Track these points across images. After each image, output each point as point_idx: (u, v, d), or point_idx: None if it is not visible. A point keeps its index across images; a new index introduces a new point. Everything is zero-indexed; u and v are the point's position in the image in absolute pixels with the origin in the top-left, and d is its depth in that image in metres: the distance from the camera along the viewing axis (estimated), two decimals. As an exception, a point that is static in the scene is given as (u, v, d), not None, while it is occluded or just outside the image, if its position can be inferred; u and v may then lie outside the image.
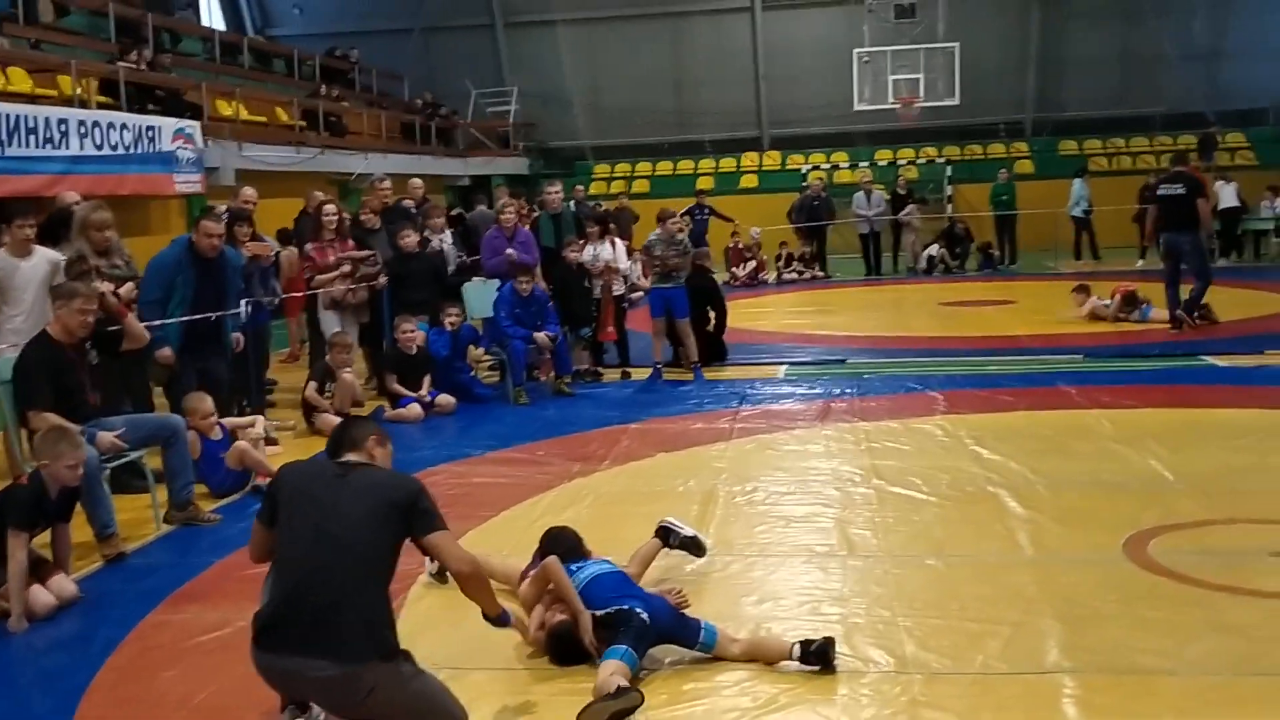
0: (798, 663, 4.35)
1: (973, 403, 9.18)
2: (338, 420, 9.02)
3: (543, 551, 4.98)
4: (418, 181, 12.50)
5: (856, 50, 24.42)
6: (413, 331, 9.84)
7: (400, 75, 28.78)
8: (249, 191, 10.44)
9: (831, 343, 12.99)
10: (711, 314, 11.81)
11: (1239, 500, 6.30)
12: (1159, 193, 12.55)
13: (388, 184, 12.08)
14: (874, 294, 18.68)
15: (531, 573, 4.90)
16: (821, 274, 21.10)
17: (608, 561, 4.93)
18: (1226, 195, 20.32)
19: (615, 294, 11.37)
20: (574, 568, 4.77)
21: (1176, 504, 6.28)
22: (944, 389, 9.76)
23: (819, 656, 4.33)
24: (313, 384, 9.26)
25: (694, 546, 5.37)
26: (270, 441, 8.30)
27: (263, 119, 19.38)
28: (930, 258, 21.10)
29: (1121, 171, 25.49)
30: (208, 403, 7.58)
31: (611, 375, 11.30)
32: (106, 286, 7.55)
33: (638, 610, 4.42)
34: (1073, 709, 4.00)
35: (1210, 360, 10.76)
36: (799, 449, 8.02)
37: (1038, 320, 13.96)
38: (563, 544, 5.00)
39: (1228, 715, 3.95)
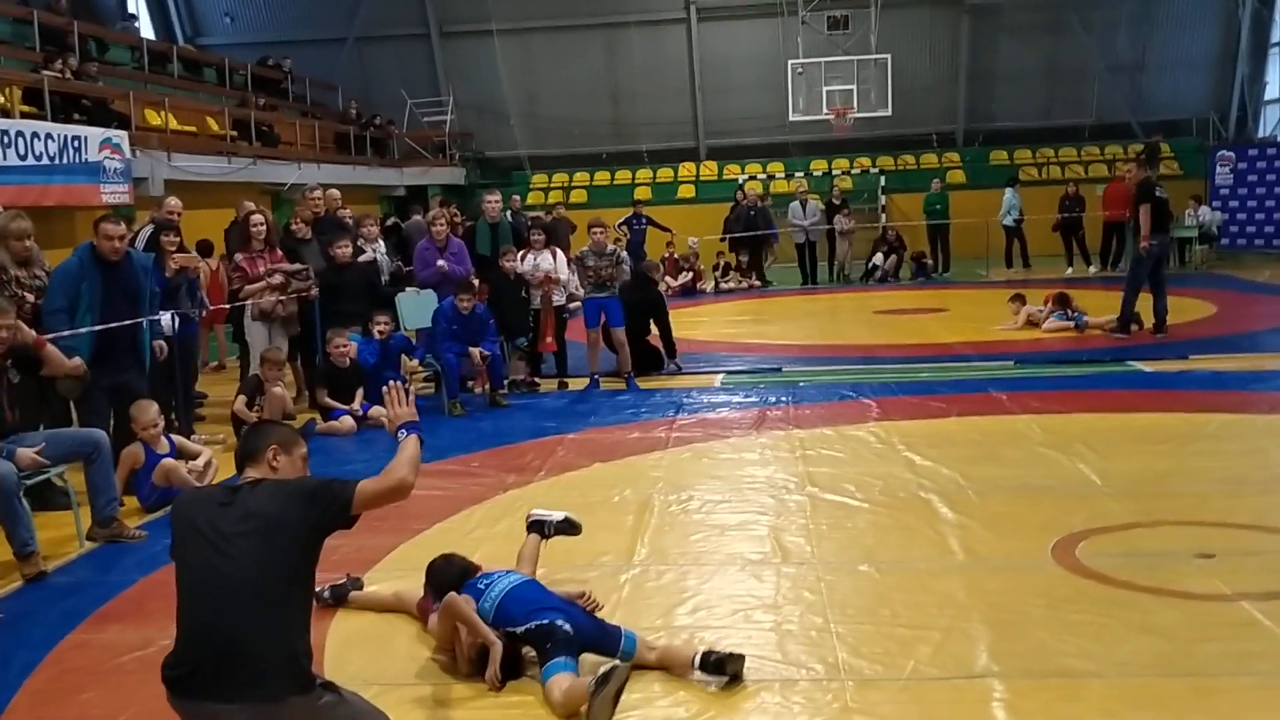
0: (699, 672, 4.33)
1: (906, 409, 9.26)
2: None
3: (435, 588, 4.80)
4: (335, 193, 12.31)
5: (791, 61, 24.64)
6: (345, 345, 9.73)
7: (334, 85, 28.55)
8: (173, 202, 10.25)
9: (767, 351, 13.06)
10: (654, 326, 11.82)
11: (1164, 503, 6.41)
12: (1159, 195, 12.59)
13: (318, 194, 11.94)
14: (810, 303, 18.80)
15: (434, 609, 4.72)
16: (758, 283, 21.23)
17: (514, 572, 4.85)
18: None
19: (555, 304, 11.29)
20: (482, 585, 4.67)
21: (1104, 507, 6.37)
22: (878, 396, 9.84)
23: (716, 667, 4.30)
24: (241, 398, 9.13)
25: (569, 528, 5.42)
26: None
27: (193, 129, 19.08)
28: (875, 267, 21.34)
29: (1051, 181, 25.91)
30: (150, 412, 7.46)
31: (549, 385, 11.26)
32: (29, 297, 7.42)
33: (560, 623, 4.37)
34: (1001, 713, 4.03)
35: (1137, 365, 10.97)
36: (734, 457, 8.04)
37: (970, 328, 14.14)
38: (451, 575, 4.82)
39: (1152, 716, 4.00)
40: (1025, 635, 4.67)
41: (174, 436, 7.61)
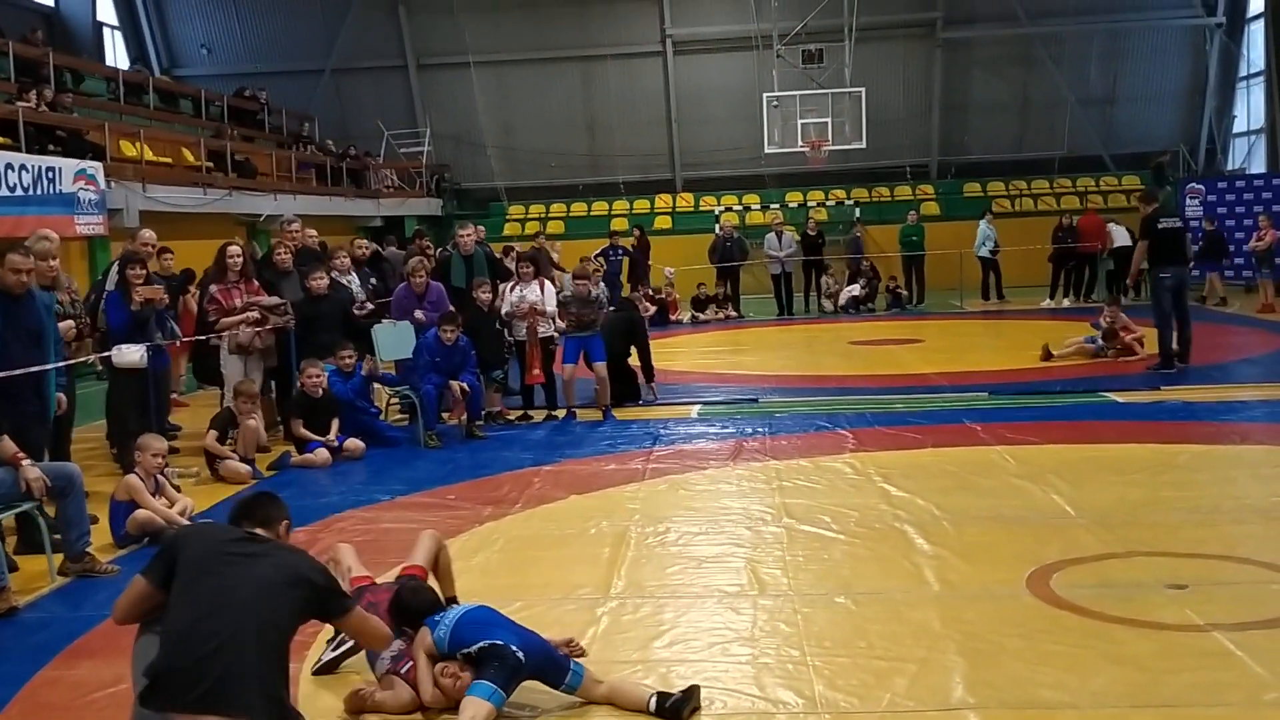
0: (654, 716, 4.29)
1: (881, 440, 9.31)
2: (245, 467, 8.92)
3: (397, 625, 4.68)
4: (298, 226, 12.34)
5: (766, 94, 24.82)
6: (318, 375, 9.69)
7: (311, 116, 28.56)
8: (147, 234, 10.22)
9: (744, 382, 13.11)
10: (634, 350, 11.84)
11: (1137, 533, 6.46)
12: (1160, 227, 12.28)
13: (297, 225, 11.94)
14: (786, 334, 18.89)
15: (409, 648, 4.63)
16: (735, 314, 21.32)
17: (480, 606, 4.72)
18: (1119, 235, 20.96)
19: (541, 336, 11.25)
20: (435, 619, 4.57)
21: (1077, 538, 6.41)
22: (853, 427, 9.89)
23: (672, 713, 4.28)
24: (213, 433, 9.06)
25: None
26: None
27: (168, 160, 19.03)
28: (854, 297, 21.50)
29: (1024, 213, 26.23)
30: (161, 443, 7.57)
31: (523, 417, 11.23)
32: None
33: (512, 646, 4.31)
34: (977, 744, 4.04)
35: (1110, 396, 11.06)
36: (711, 489, 8.05)
37: (945, 359, 14.23)
38: (416, 609, 4.69)
39: (1126, 746, 4.02)
40: (1000, 666, 4.69)
41: (160, 476, 7.54)
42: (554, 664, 4.41)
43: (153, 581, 3.71)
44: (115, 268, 9.63)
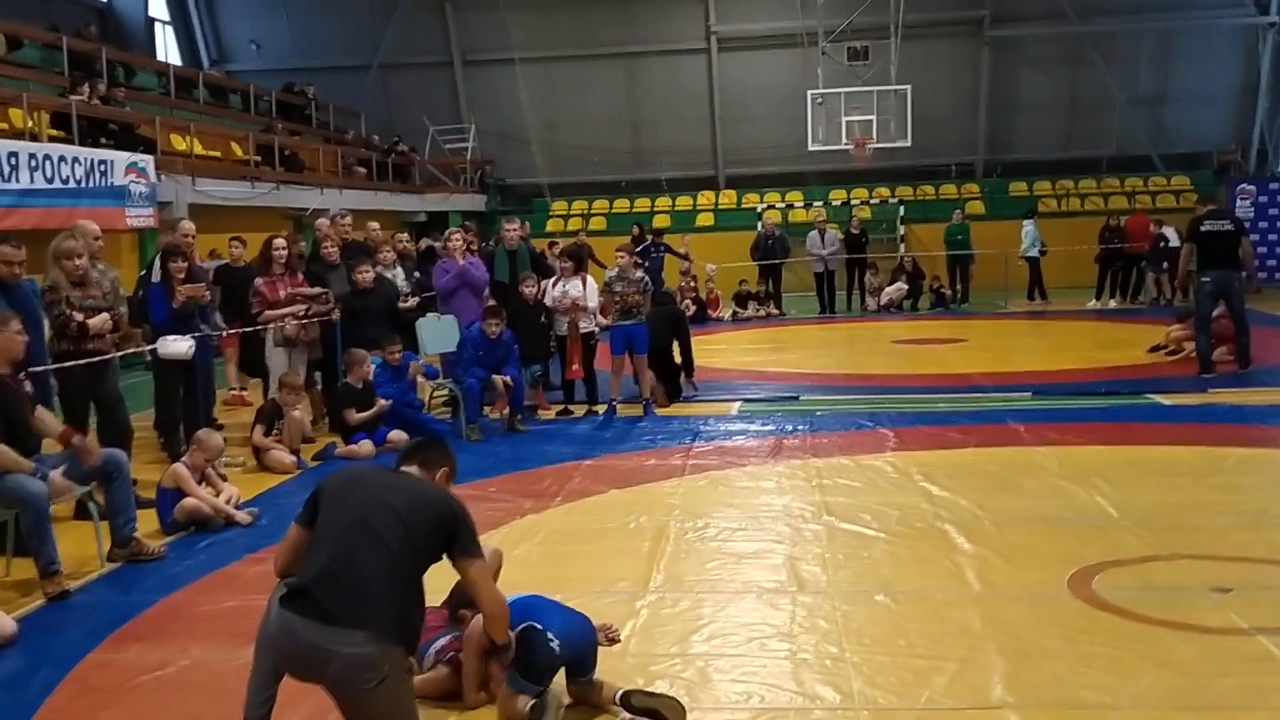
0: (622, 710, 4.26)
1: (923, 440, 9.27)
2: (290, 457, 9.03)
3: (452, 610, 4.78)
4: (374, 223, 12.54)
5: (810, 91, 24.74)
6: (366, 365, 9.79)
7: (358, 111, 28.82)
8: (187, 225, 10.26)
9: (785, 380, 13.07)
10: (676, 344, 11.88)
11: (1181, 536, 6.39)
12: (1204, 229, 12.02)
13: (348, 219, 12.08)
14: (828, 332, 18.83)
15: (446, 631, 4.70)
16: (776, 312, 21.27)
17: (532, 595, 4.66)
18: (1170, 236, 20.70)
19: (583, 331, 11.28)
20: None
21: (1120, 540, 6.36)
22: (895, 426, 9.85)
23: (640, 710, 4.24)
24: (259, 428, 9.18)
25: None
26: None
27: (217, 154, 19.32)
28: (892, 297, 21.40)
29: (1070, 213, 25.96)
30: (219, 442, 7.72)
31: (578, 412, 11.27)
32: (77, 316, 7.51)
33: (549, 635, 4.24)
34: (1016, 744, 4.03)
35: (1156, 398, 10.94)
36: (751, 485, 8.05)
37: (988, 359, 14.13)
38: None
39: (1167, 749, 4.00)
40: (1041, 667, 4.66)
41: (210, 470, 7.66)
42: (592, 659, 4.40)
43: (304, 523, 3.84)
44: (158, 260, 9.76)
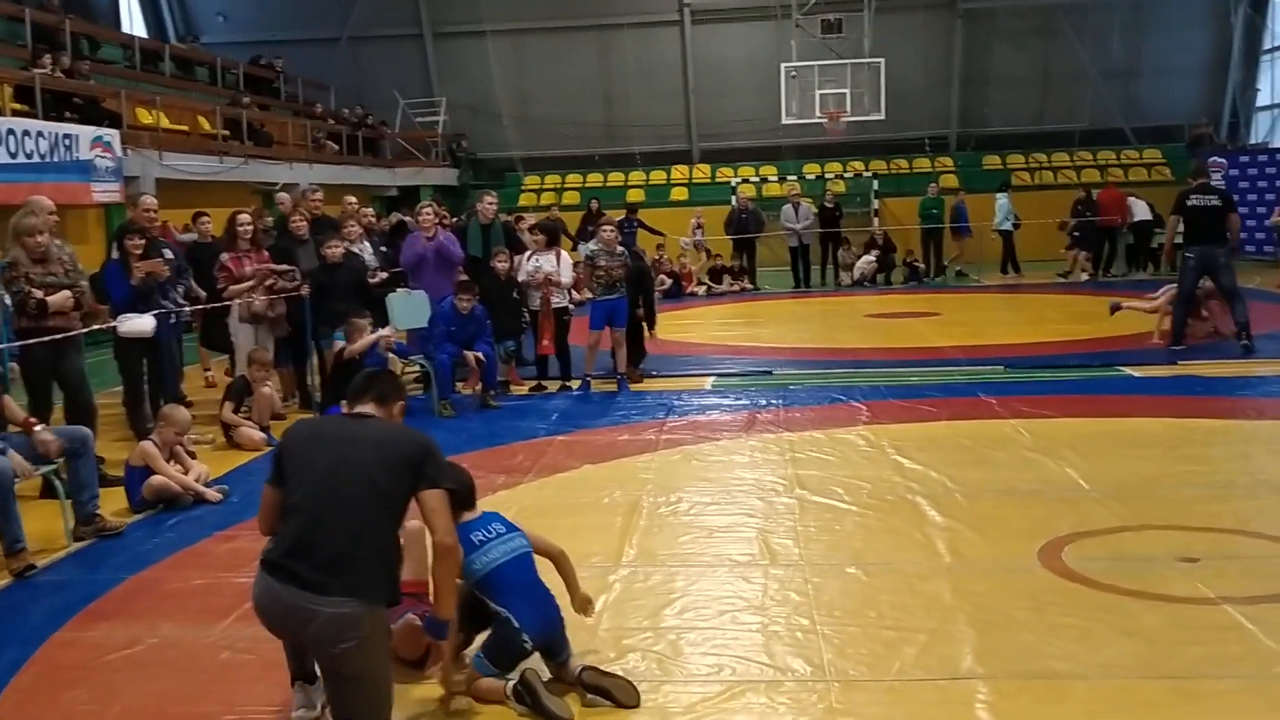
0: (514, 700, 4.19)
1: (895, 413, 9.30)
2: (259, 434, 8.96)
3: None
4: (351, 197, 12.39)
5: (784, 64, 24.67)
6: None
7: (327, 85, 28.53)
8: (148, 200, 10.07)
9: (758, 354, 13.08)
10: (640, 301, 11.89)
11: (1150, 507, 6.44)
12: (1189, 204, 11.90)
13: (319, 195, 11.97)
14: (801, 306, 18.84)
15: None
16: (750, 286, 21.26)
17: (514, 530, 4.49)
18: (1139, 209, 20.85)
19: (556, 306, 11.23)
20: (476, 538, 4.34)
21: (1090, 511, 6.40)
22: (868, 400, 9.87)
23: (579, 680, 4.25)
24: (228, 405, 9.10)
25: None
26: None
27: (184, 128, 19.09)
28: (864, 271, 21.44)
29: (1043, 186, 26.05)
30: (186, 416, 7.62)
31: (537, 388, 11.25)
32: (36, 293, 7.41)
33: (523, 636, 4.21)
34: (985, 714, 4.05)
35: (1126, 371, 11.01)
36: (724, 460, 8.06)
37: (961, 332, 14.18)
38: (464, 491, 4.44)
39: (1135, 717, 4.02)
40: (1010, 638, 4.69)
41: (178, 447, 7.58)
42: (561, 637, 4.38)
43: (274, 483, 3.84)
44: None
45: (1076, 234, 20.95)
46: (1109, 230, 21.11)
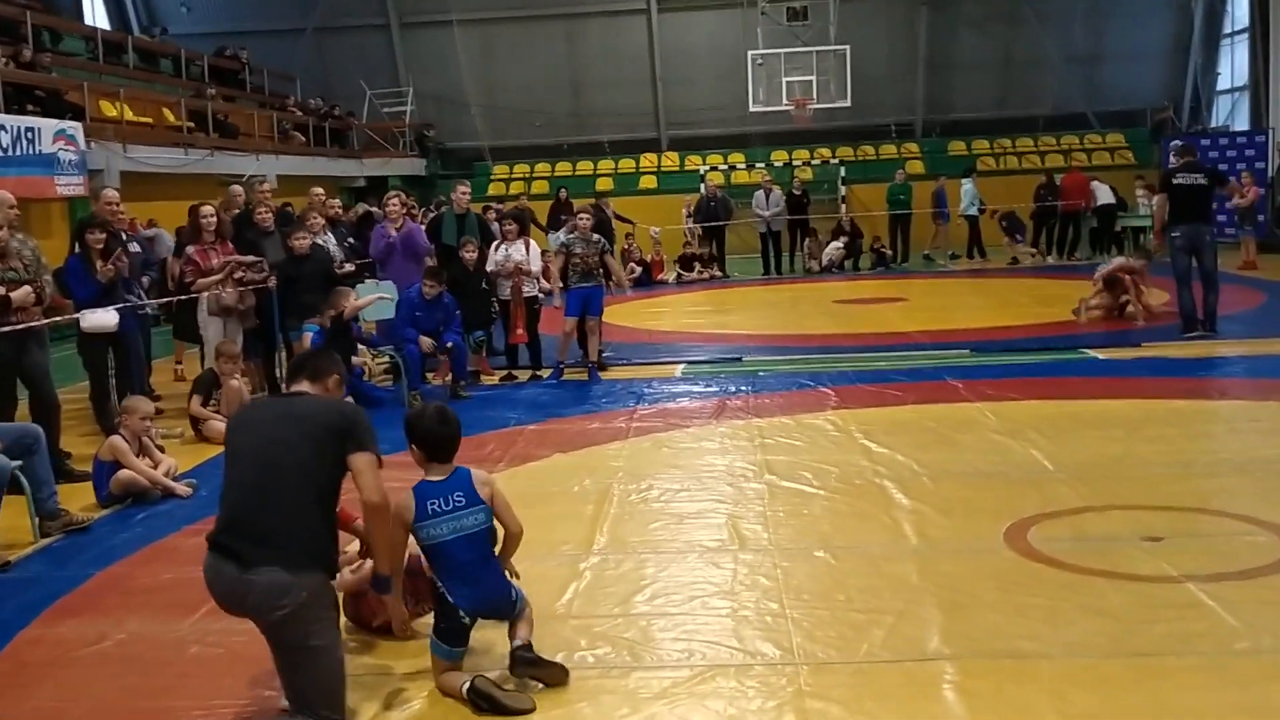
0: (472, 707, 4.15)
1: (863, 398, 9.36)
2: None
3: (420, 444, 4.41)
4: (318, 189, 12.27)
5: (751, 52, 24.70)
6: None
7: (293, 76, 28.31)
8: (109, 193, 9.97)
9: (728, 341, 13.13)
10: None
11: (1114, 487, 6.52)
12: (1176, 182, 11.69)
13: (268, 185, 11.90)
14: (771, 293, 18.90)
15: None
16: (720, 274, 21.30)
17: (475, 504, 4.36)
18: (1103, 194, 21.02)
19: (526, 295, 11.23)
20: (431, 506, 4.25)
21: (1055, 492, 6.48)
22: (836, 385, 9.92)
23: (511, 666, 4.26)
24: (196, 398, 9.04)
25: None
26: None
27: (149, 120, 18.92)
28: (832, 258, 21.52)
29: (1008, 171, 26.20)
30: (148, 404, 7.63)
31: (507, 378, 11.24)
32: None
33: (459, 613, 4.20)
34: (951, 694, 4.10)
35: (1090, 353, 11.12)
36: (694, 446, 8.09)
37: (928, 317, 14.28)
38: (443, 436, 4.43)
39: (1099, 695, 4.07)
40: (977, 618, 4.74)
41: (145, 438, 7.53)
42: (505, 606, 4.34)
43: (228, 445, 4.07)
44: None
45: (1005, 224, 21.23)
46: (1073, 215, 21.28)
